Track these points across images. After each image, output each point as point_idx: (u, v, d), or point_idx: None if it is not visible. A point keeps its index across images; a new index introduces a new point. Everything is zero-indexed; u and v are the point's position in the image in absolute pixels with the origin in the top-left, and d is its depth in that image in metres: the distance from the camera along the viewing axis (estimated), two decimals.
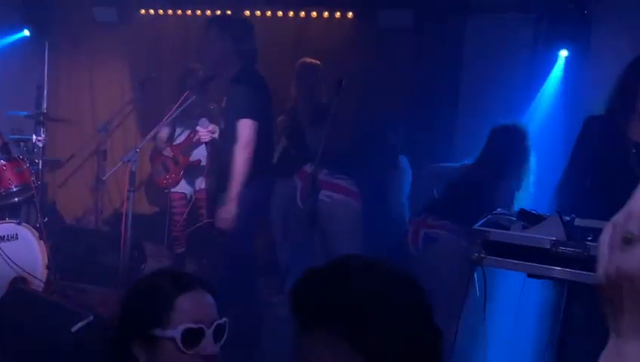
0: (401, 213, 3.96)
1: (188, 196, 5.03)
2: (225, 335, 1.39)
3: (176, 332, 1.30)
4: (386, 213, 4.08)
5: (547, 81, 4.56)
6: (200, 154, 4.80)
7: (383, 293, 0.98)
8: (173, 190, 5.02)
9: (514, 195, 3.25)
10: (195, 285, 1.38)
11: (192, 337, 1.31)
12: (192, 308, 1.34)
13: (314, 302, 0.99)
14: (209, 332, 1.34)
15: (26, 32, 5.65)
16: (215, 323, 1.36)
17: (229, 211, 3.33)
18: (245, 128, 3.37)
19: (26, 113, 4.51)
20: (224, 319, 1.39)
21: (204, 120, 3.90)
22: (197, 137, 4.29)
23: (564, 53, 4.44)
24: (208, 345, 1.33)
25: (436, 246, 3.15)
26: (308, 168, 3.50)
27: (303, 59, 4.44)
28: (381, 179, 3.65)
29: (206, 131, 3.91)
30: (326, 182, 3.42)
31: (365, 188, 3.52)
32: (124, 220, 3.71)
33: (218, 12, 5.42)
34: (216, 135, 3.90)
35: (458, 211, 3.15)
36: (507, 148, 3.33)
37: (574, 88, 4.46)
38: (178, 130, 4.92)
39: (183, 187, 5.00)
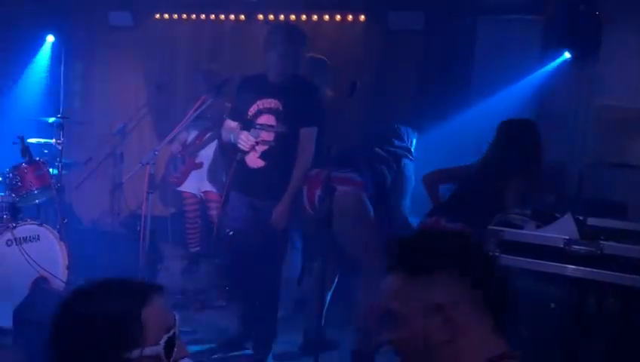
0: (402, 216, 3.98)
1: (198, 196, 5.12)
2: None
3: (158, 347, 1.19)
4: (387, 216, 4.12)
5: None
6: (204, 156, 4.89)
7: (479, 245, 1.30)
8: (184, 190, 5.12)
9: (526, 193, 3.23)
10: (149, 291, 1.25)
11: (171, 345, 1.23)
12: (159, 317, 1.23)
13: (435, 251, 1.21)
14: (177, 331, 1.26)
15: (51, 38, 5.75)
16: (177, 321, 1.28)
17: (285, 211, 3.47)
18: (309, 137, 3.52)
19: (53, 119, 4.61)
20: (174, 312, 1.30)
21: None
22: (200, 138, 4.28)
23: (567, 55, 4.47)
24: (181, 348, 1.26)
25: None
26: (312, 172, 3.49)
27: (309, 54, 4.47)
28: (383, 182, 3.63)
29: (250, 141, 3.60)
30: (337, 178, 3.39)
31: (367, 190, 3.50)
32: (142, 221, 3.78)
33: (232, 16, 5.49)
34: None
35: (469, 211, 3.16)
36: (516, 142, 3.31)
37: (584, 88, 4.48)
38: (192, 132, 5.00)
39: (193, 187, 5.09)
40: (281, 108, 3.48)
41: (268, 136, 3.50)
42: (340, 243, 3.37)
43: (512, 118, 3.62)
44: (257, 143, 3.52)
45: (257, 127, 3.52)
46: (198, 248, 5.26)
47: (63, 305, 1.22)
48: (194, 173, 5.03)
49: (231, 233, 3.58)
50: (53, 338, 1.20)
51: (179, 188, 5.17)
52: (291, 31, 3.60)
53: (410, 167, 3.84)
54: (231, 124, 3.67)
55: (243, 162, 3.57)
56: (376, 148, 3.69)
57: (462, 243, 1.23)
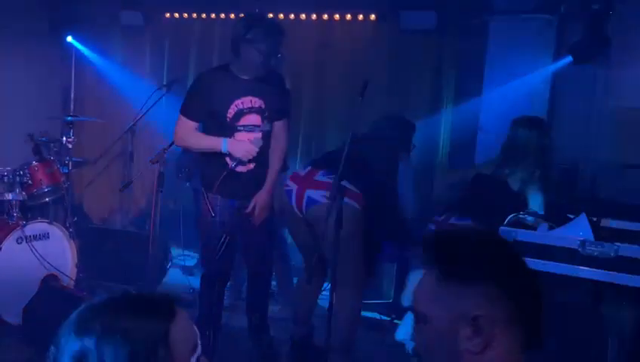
0: (411, 211, 3.94)
1: None
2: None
3: None
4: (392, 212, 4.09)
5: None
6: None
7: (516, 255, 1.19)
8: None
9: (538, 191, 3.19)
10: (174, 307, 1.11)
11: None
12: (186, 336, 1.10)
13: (475, 258, 1.14)
14: (200, 350, 1.14)
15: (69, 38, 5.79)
16: (198, 337, 1.15)
17: (265, 200, 3.40)
18: (285, 128, 3.48)
19: (69, 118, 4.63)
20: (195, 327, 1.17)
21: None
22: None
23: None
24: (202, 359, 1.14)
25: None
26: (301, 171, 3.44)
27: None
28: (386, 180, 3.58)
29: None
30: (324, 182, 3.28)
31: (371, 189, 3.43)
32: (152, 220, 3.78)
33: (242, 16, 5.47)
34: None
35: (480, 209, 3.12)
36: (528, 141, 3.29)
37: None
38: None
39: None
40: (264, 106, 3.32)
41: (255, 135, 3.34)
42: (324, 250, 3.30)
43: (523, 115, 3.59)
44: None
45: (240, 128, 3.30)
46: None
47: (82, 321, 1.05)
48: None
49: (226, 239, 3.45)
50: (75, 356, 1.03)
51: (188, 184, 5.17)
52: (272, 26, 3.28)
53: (410, 162, 3.80)
54: (186, 123, 3.34)
55: (224, 163, 3.35)
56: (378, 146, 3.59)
57: (502, 254, 1.17)
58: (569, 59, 4.50)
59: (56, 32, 5.83)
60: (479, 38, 4.84)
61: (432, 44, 4.97)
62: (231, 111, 3.26)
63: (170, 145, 3.76)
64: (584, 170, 4.54)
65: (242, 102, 3.27)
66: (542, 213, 3.04)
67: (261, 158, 3.37)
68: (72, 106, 5.74)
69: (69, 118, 4.69)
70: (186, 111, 3.34)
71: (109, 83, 6.09)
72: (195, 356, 1.09)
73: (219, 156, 3.30)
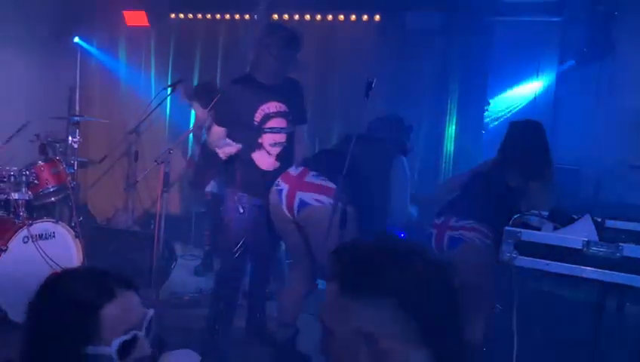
0: (405, 214, 3.94)
1: (219, 195, 5.15)
2: (153, 327, 1.31)
3: (110, 348, 1.20)
4: (385, 214, 4.10)
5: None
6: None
7: (431, 275, 1.10)
8: (205, 189, 5.15)
9: (538, 192, 3.14)
10: (118, 288, 1.24)
11: (127, 347, 1.22)
12: (121, 317, 1.22)
13: (376, 274, 1.08)
14: (142, 334, 1.25)
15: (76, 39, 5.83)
16: (146, 321, 1.27)
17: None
18: (305, 130, 3.71)
19: (75, 118, 4.65)
20: (151, 311, 1.30)
21: (225, 140, 3.57)
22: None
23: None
24: (143, 348, 1.25)
25: (462, 248, 3.10)
26: (293, 171, 3.42)
27: None
28: (381, 181, 3.58)
29: (229, 149, 3.55)
30: (314, 184, 3.28)
31: (365, 191, 3.43)
32: (157, 220, 3.79)
33: (247, 16, 5.51)
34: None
35: (478, 211, 3.10)
36: (524, 143, 3.26)
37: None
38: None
39: (214, 186, 5.11)
40: (287, 110, 3.50)
41: (281, 138, 3.52)
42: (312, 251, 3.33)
43: (520, 118, 3.60)
44: (272, 145, 3.52)
45: (267, 130, 3.49)
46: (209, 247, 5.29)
47: (37, 291, 1.26)
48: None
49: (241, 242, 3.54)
50: (26, 322, 1.26)
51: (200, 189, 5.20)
52: (288, 33, 3.49)
53: (403, 160, 3.78)
54: (218, 129, 3.57)
55: (252, 164, 3.52)
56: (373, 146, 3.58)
57: (404, 272, 1.08)
58: (573, 61, 4.52)
59: (63, 32, 5.86)
60: (484, 40, 4.85)
61: (436, 46, 4.98)
62: (258, 116, 3.46)
63: (175, 146, 3.79)
64: (588, 170, 4.55)
65: (268, 107, 3.47)
66: (545, 213, 3.04)
67: (287, 159, 3.54)
68: (77, 107, 5.77)
69: (75, 118, 4.72)
70: (217, 120, 3.57)
71: (115, 83, 6.12)
72: (122, 339, 1.20)
73: (248, 158, 3.50)
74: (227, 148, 3.43)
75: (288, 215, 3.33)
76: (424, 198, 4.15)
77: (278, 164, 3.53)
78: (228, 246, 3.59)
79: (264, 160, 3.52)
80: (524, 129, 3.33)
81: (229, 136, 3.51)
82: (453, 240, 3.13)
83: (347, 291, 1.09)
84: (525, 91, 4.64)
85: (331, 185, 3.20)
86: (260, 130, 3.48)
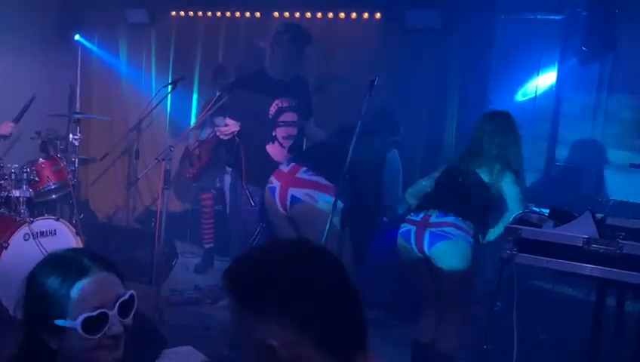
0: (399, 205, 3.93)
1: (213, 193, 5.16)
2: (133, 308, 1.39)
3: (75, 323, 1.29)
4: (379, 210, 4.10)
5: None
6: None
7: (322, 279, 1.10)
8: (200, 187, 5.17)
9: (510, 184, 3.09)
10: (91, 268, 1.34)
11: (95, 323, 1.30)
12: (90, 295, 1.31)
13: (261, 290, 1.07)
14: (113, 313, 1.33)
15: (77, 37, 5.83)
16: (119, 302, 1.34)
17: None
18: (313, 124, 3.91)
19: (76, 116, 4.66)
20: (129, 293, 1.37)
21: (220, 118, 3.79)
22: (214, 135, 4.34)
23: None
24: (114, 326, 1.33)
25: (447, 243, 3.03)
26: (284, 168, 3.48)
27: None
28: (376, 175, 3.58)
29: (224, 128, 3.78)
30: (305, 180, 3.36)
31: (360, 185, 3.44)
32: (158, 217, 3.80)
33: (247, 14, 5.51)
34: (236, 130, 3.77)
35: (456, 205, 3.07)
36: (489, 134, 3.20)
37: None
38: (207, 128, 5.02)
39: (212, 184, 5.12)
40: (297, 104, 3.73)
41: (293, 131, 3.74)
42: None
43: (496, 110, 3.55)
44: (285, 138, 3.72)
45: (281, 124, 3.69)
46: (212, 244, 5.29)
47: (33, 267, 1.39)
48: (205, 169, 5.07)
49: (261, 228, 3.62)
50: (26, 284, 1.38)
51: (195, 184, 5.21)
52: (298, 31, 3.71)
53: (395, 153, 3.78)
54: (231, 122, 3.72)
55: (267, 156, 3.67)
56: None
57: (292, 281, 1.07)
58: (574, 59, 4.51)
59: (63, 30, 5.86)
60: (485, 38, 4.84)
61: (437, 44, 4.98)
62: (273, 109, 3.68)
63: (176, 143, 3.80)
64: (589, 168, 4.55)
65: (281, 102, 3.69)
66: (516, 207, 3.03)
67: (296, 151, 3.77)
68: (78, 104, 5.77)
69: (76, 116, 4.72)
70: (231, 114, 3.72)
71: (115, 81, 6.12)
72: (86, 315, 1.29)
73: (261, 151, 3.66)
74: (224, 128, 3.50)
75: (282, 211, 3.40)
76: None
77: (289, 156, 3.72)
78: (242, 238, 3.71)
79: (278, 152, 3.71)
80: (494, 120, 3.29)
81: (243, 129, 3.65)
82: (435, 236, 3.05)
83: (242, 306, 1.09)
84: (526, 89, 4.63)
85: (321, 180, 3.27)
86: (274, 124, 3.69)
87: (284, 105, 3.70)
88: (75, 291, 1.31)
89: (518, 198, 3.06)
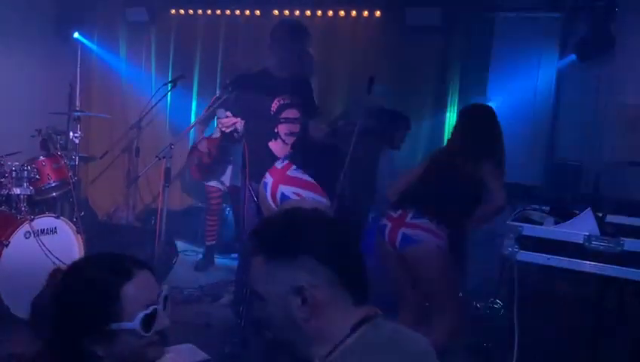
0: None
1: (222, 190, 5.17)
2: (169, 300, 1.43)
3: (134, 323, 1.32)
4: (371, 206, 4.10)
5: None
6: (232, 151, 4.92)
7: (335, 229, 1.33)
8: (209, 184, 5.17)
9: (491, 178, 3.06)
10: (134, 268, 1.37)
11: (149, 320, 1.34)
12: (140, 293, 1.35)
13: (292, 236, 1.28)
14: (160, 308, 1.38)
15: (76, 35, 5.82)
16: (162, 297, 1.40)
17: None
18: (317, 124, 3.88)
19: (76, 114, 4.66)
20: (165, 287, 1.43)
21: (221, 110, 3.72)
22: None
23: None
24: (162, 320, 1.37)
25: (415, 248, 3.03)
26: (278, 164, 3.52)
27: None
28: (369, 173, 3.58)
29: (225, 120, 3.71)
30: (295, 178, 3.41)
31: (354, 183, 3.44)
32: (158, 215, 3.80)
33: (247, 12, 5.51)
34: (239, 125, 3.70)
35: (434, 202, 3.06)
36: (476, 127, 3.20)
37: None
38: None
39: (218, 181, 5.13)
40: (298, 101, 3.74)
41: (295, 127, 3.75)
42: None
43: (474, 103, 3.55)
44: (288, 135, 3.74)
45: (282, 120, 3.72)
46: (214, 242, 5.30)
47: (61, 279, 1.39)
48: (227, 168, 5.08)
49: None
50: (51, 310, 1.36)
51: (207, 183, 5.22)
52: (297, 28, 3.75)
53: (391, 156, 3.76)
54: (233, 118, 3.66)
55: (270, 153, 3.68)
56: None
57: (318, 228, 1.30)
58: (574, 57, 4.52)
59: (63, 28, 5.86)
60: (484, 36, 4.85)
61: (437, 41, 4.98)
62: (274, 106, 3.69)
63: (177, 141, 3.80)
64: (589, 166, 4.56)
65: (283, 98, 3.71)
66: (500, 198, 3.03)
67: (300, 148, 3.75)
68: (78, 102, 5.76)
69: (76, 114, 4.72)
70: (232, 109, 3.67)
71: (116, 79, 6.12)
72: (143, 313, 1.32)
73: (264, 148, 3.68)
74: (225, 120, 3.50)
75: (273, 206, 3.47)
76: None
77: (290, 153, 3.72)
78: (246, 231, 3.70)
79: (280, 149, 3.72)
80: (474, 114, 3.27)
81: (245, 127, 3.62)
82: (406, 238, 3.05)
83: (271, 258, 1.28)
84: (526, 87, 4.64)
85: (309, 179, 3.31)
86: (276, 121, 3.71)
87: (285, 101, 3.73)
88: (125, 292, 1.32)
89: (501, 189, 3.05)
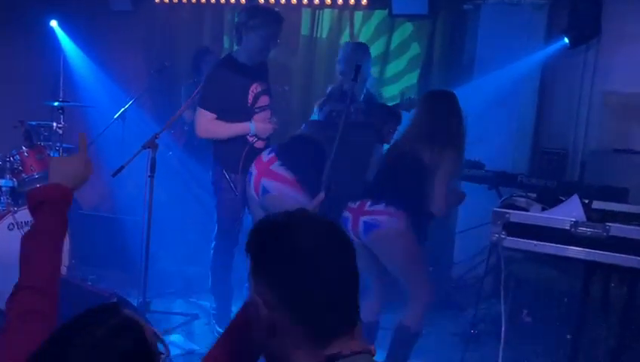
0: None
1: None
2: None
3: None
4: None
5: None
6: None
7: (314, 253, 1.15)
8: None
9: (450, 164, 3.04)
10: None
11: None
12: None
13: (258, 253, 1.19)
14: None
15: (54, 23, 5.72)
16: None
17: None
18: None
19: (58, 104, 4.58)
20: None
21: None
22: None
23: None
24: None
25: (377, 232, 3.04)
26: (264, 156, 3.49)
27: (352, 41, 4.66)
28: (360, 168, 3.57)
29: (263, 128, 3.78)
30: (277, 174, 3.39)
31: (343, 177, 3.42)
32: (144, 206, 3.77)
33: (232, 0, 5.45)
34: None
35: (393, 190, 3.07)
36: (431, 111, 3.16)
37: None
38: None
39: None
40: (267, 86, 3.71)
41: (268, 114, 3.71)
42: None
43: (435, 89, 3.53)
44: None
45: (257, 110, 3.64)
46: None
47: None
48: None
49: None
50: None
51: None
52: (271, 14, 3.63)
53: (382, 152, 3.75)
54: (207, 115, 3.60)
55: (248, 144, 3.66)
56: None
57: (285, 246, 1.15)
58: (559, 44, 4.52)
59: (46, 18, 5.76)
60: (470, 23, 4.84)
61: (423, 30, 4.97)
62: (250, 96, 3.60)
63: (162, 131, 3.76)
64: (575, 154, 4.59)
65: (256, 87, 3.61)
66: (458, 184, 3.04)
67: (272, 135, 3.75)
68: (61, 92, 5.69)
69: (59, 104, 4.65)
70: (206, 105, 3.58)
71: (99, 69, 6.04)
72: None
73: (241, 138, 3.61)
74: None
75: (256, 198, 3.47)
76: None
77: (263, 142, 3.71)
78: (226, 223, 3.72)
79: (257, 139, 3.67)
80: (433, 99, 3.25)
81: (221, 119, 3.58)
82: (368, 225, 3.06)
83: (253, 265, 1.19)
84: (511, 75, 4.63)
85: (291, 176, 3.29)
86: (252, 111, 3.63)
87: (258, 90, 3.66)
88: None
89: (442, 197, 3.00)
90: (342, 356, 1.10)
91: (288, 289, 1.12)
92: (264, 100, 3.69)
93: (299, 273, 1.13)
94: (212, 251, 3.84)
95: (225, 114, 3.58)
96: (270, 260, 1.15)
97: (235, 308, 3.87)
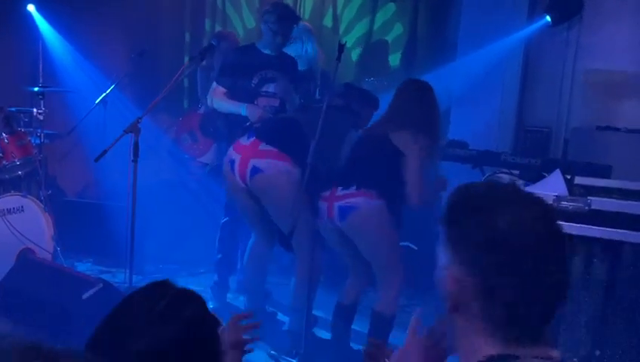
0: None
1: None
2: None
3: None
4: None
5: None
6: None
7: (514, 238, 1.02)
8: (204, 161, 5.08)
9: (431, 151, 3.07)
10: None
11: None
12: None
13: (450, 221, 1.08)
14: None
15: (31, 7, 5.62)
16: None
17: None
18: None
19: (38, 89, 4.52)
20: None
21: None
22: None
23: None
24: None
25: (352, 214, 3.06)
26: (244, 141, 3.47)
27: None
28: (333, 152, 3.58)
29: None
30: (268, 151, 3.37)
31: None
32: (128, 191, 3.74)
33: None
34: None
35: (364, 174, 3.08)
36: (404, 99, 3.18)
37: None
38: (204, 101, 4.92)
39: (212, 158, 5.03)
40: (281, 77, 3.88)
41: (275, 102, 3.87)
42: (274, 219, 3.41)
43: (410, 78, 3.55)
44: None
45: (262, 93, 3.85)
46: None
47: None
48: (215, 145, 4.98)
49: None
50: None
51: (199, 159, 5.11)
52: (285, 11, 3.92)
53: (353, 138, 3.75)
54: (220, 89, 3.92)
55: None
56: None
57: (482, 225, 1.03)
58: (542, 22, 4.53)
59: (24, 3, 5.65)
60: (454, 2, 4.83)
61: (406, 10, 4.95)
62: (255, 80, 3.84)
63: (144, 115, 3.73)
64: (558, 132, 4.62)
65: (265, 73, 3.86)
66: (432, 172, 3.06)
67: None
68: (40, 77, 5.61)
69: (39, 89, 4.58)
70: (219, 79, 3.95)
71: (79, 54, 5.96)
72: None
73: (245, 121, 3.73)
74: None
75: (241, 183, 3.40)
76: None
77: (250, 130, 3.64)
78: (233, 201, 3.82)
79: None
80: (405, 88, 3.27)
81: (228, 96, 3.86)
82: (342, 209, 3.08)
83: (445, 236, 1.09)
84: (494, 53, 4.64)
85: (281, 152, 3.28)
86: (256, 93, 3.84)
87: (267, 75, 3.86)
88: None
89: (417, 186, 3.02)
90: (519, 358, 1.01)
91: (479, 269, 1.01)
92: (272, 87, 3.87)
93: (498, 262, 1.00)
94: (221, 225, 4.11)
95: (232, 91, 3.85)
96: (467, 239, 1.03)
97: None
